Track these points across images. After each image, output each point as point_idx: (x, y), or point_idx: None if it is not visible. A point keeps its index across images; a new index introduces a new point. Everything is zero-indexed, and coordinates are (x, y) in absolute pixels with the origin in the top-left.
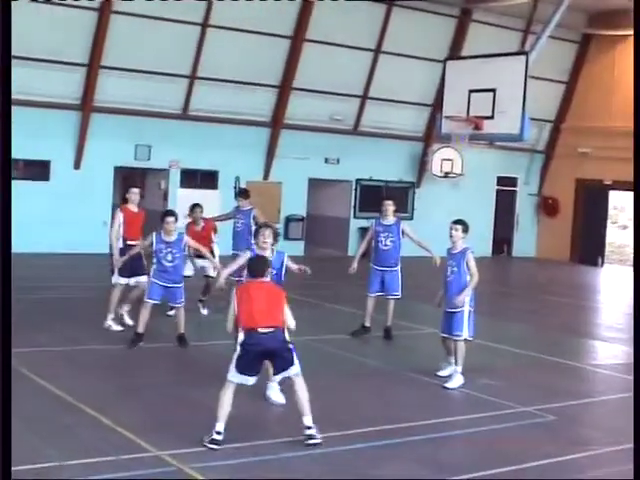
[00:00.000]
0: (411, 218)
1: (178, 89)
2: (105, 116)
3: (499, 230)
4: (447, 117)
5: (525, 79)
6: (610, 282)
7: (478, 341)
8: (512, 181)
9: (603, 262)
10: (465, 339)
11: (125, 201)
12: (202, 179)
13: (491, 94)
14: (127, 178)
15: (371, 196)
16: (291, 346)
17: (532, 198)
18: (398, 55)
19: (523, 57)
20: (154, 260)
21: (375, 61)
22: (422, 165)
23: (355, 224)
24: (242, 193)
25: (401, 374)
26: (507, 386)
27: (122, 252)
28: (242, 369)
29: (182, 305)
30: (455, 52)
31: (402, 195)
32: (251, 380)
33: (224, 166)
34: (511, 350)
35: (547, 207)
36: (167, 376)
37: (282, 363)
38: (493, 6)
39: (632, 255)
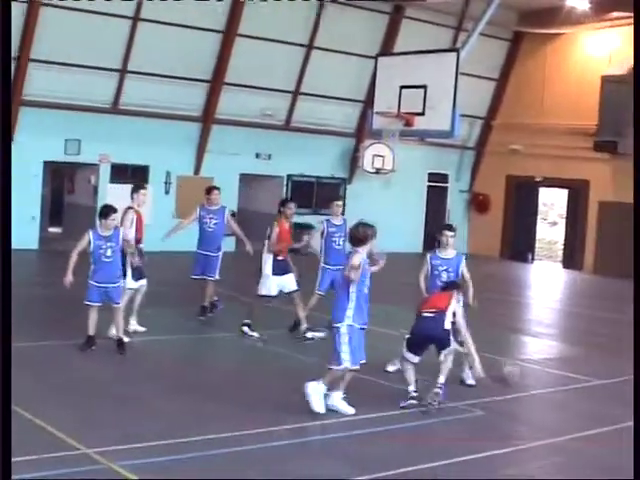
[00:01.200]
0: (342, 214)
1: (108, 83)
2: (34, 110)
3: (430, 226)
4: (378, 113)
5: (456, 76)
6: (540, 278)
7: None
8: (443, 177)
9: (533, 258)
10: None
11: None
12: (132, 174)
13: (422, 90)
14: (56, 172)
15: (302, 192)
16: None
17: (463, 194)
18: (330, 51)
19: (454, 54)
20: (91, 260)
21: (307, 56)
22: (353, 161)
23: None
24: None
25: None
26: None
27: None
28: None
29: (120, 305)
30: (387, 48)
31: (333, 191)
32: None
33: (154, 161)
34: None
35: (478, 203)
36: (103, 374)
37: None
38: (425, 3)
39: (562, 251)
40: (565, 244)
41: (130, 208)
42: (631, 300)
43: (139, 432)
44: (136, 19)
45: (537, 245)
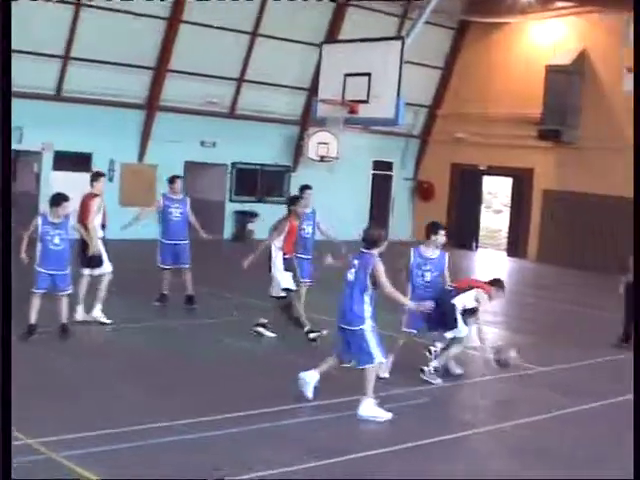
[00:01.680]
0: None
1: (51, 70)
2: None
3: (375, 214)
4: (322, 101)
5: (401, 64)
6: (484, 266)
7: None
8: (388, 165)
9: (477, 246)
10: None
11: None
12: (75, 162)
13: (366, 78)
14: None
15: (247, 180)
16: None
17: (407, 182)
18: (275, 38)
19: (399, 42)
20: (39, 246)
21: (252, 44)
22: (298, 149)
23: (231, 207)
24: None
25: (271, 357)
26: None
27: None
28: None
29: (67, 293)
30: (332, 36)
31: (278, 179)
32: None
33: (98, 148)
34: (385, 334)
35: (422, 191)
36: (45, 363)
37: None
38: None
39: (506, 239)
40: (509, 232)
41: (95, 195)
42: (575, 288)
43: (84, 421)
44: (79, 5)
45: (481, 233)
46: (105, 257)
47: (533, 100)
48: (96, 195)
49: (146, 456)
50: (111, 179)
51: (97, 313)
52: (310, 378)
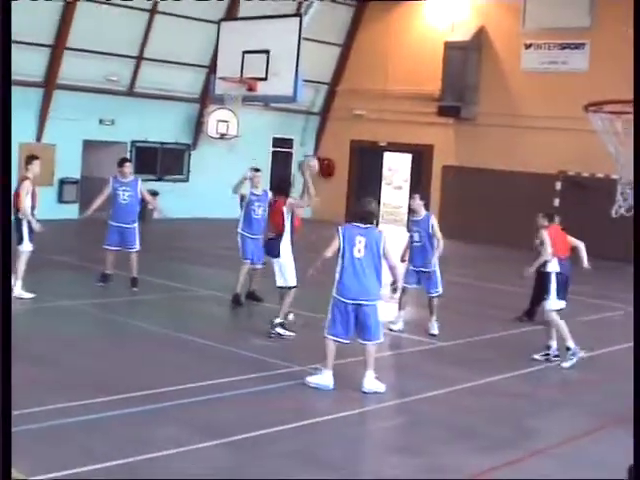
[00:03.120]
0: (187, 180)
1: None
2: None
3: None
4: (221, 78)
5: (299, 41)
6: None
7: (268, 305)
8: (288, 142)
9: (378, 222)
10: (440, 294)
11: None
12: None
13: (265, 56)
14: None
15: (147, 158)
16: None
17: (307, 159)
18: (174, 15)
19: (297, 19)
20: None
21: (151, 21)
22: (198, 126)
23: None
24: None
25: (172, 336)
26: (283, 346)
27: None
28: None
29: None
30: (231, 13)
31: (178, 157)
32: None
33: None
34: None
35: (323, 168)
36: None
37: None
38: None
39: (407, 215)
40: (410, 208)
41: (26, 178)
42: (475, 262)
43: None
44: None
45: (383, 209)
46: (26, 236)
47: (432, 77)
48: (27, 178)
49: (47, 438)
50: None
51: (18, 290)
52: None
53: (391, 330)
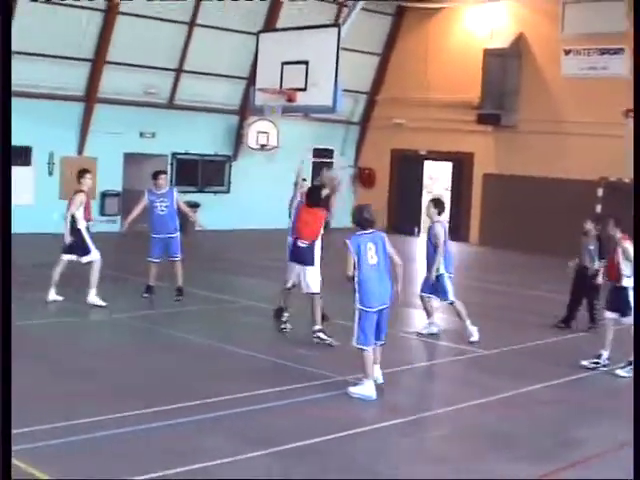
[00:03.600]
0: (228, 191)
1: None
2: None
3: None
4: (260, 89)
5: (337, 51)
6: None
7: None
8: (328, 152)
9: (419, 231)
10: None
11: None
12: (15, 155)
13: (304, 66)
14: None
15: (187, 170)
16: None
17: (348, 169)
18: (213, 28)
19: (335, 29)
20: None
21: (190, 34)
22: (238, 138)
23: None
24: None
25: (216, 347)
26: (323, 356)
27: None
28: None
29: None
30: (270, 24)
31: (218, 168)
32: None
33: (37, 142)
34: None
35: (363, 178)
36: None
37: None
38: None
39: (448, 224)
40: (451, 217)
41: (81, 191)
42: (517, 270)
43: (24, 416)
44: None
45: (423, 219)
46: (92, 246)
47: (472, 84)
48: (82, 191)
49: (97, 449)
50: (51, 173)
51: (92, 298)
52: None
53: (421, 334)
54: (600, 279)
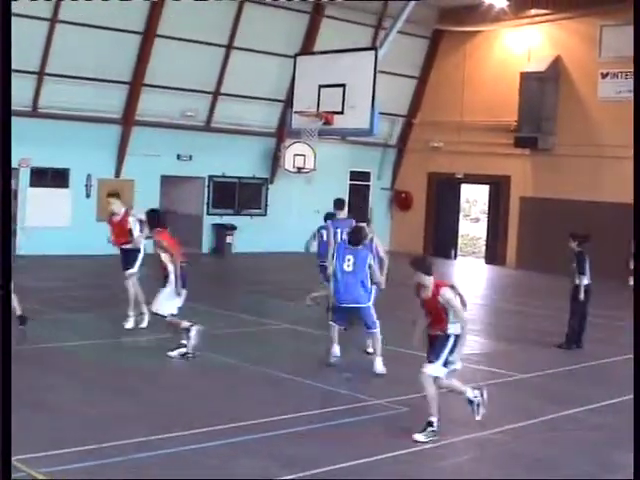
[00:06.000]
0: (265, 214)
1: (27, 86)
2: None
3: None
4: (297, 112)
5: (374, 74)
6: (463, 274)
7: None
8: (365, 175)
9: (456, 254)
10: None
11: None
12: (53, 178)
13: (341, 89)
14: None
15: (224, 193)
16: None
17: (385, 192)
18: (250, 51)
19: (372, 52)
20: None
21: (227, 57)
22: (275, 161)
23: (208, 221)
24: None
25: (252, 370)
26: (358, 379)
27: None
28: None
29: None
30: (307, 48)
31: (255, 191)
32: None
33: (75, 164)
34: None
35: (400, 201)
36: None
37: None
38: (345, 2)
39: (484, 247)
40: (487, 240)
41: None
42: (554, 294)
43: (60, 438)
44: (53, 21)
45: (460, 241)
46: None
47: (508, 107)
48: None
49: (132, 470)
50: (88, 195)
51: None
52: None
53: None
54: (581, 295)
